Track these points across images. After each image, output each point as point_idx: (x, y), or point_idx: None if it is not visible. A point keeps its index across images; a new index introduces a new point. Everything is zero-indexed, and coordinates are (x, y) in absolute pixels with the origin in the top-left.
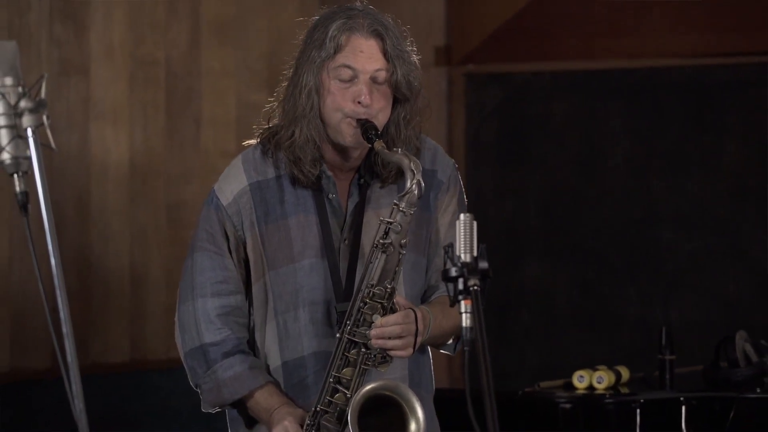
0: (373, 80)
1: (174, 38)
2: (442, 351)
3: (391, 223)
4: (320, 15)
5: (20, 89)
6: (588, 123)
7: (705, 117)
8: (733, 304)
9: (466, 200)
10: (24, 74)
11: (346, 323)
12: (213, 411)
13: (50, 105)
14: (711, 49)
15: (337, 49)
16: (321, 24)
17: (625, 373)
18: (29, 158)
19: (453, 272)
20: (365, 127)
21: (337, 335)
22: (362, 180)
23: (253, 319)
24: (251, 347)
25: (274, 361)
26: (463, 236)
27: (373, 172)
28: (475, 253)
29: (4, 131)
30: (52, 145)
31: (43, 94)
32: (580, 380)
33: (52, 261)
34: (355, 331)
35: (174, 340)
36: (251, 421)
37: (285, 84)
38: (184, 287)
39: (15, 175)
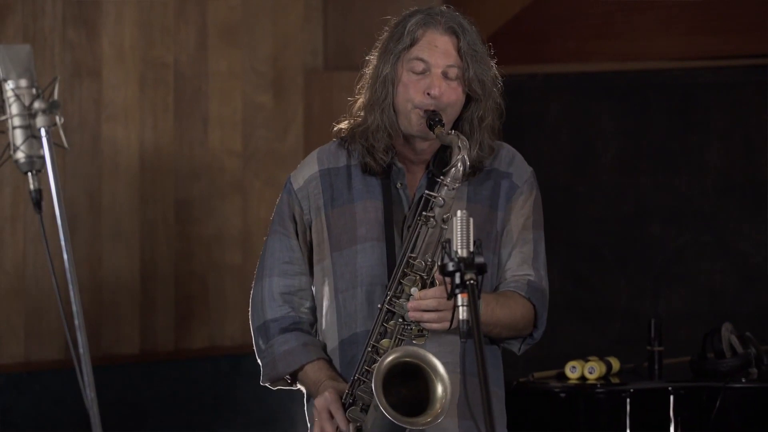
0: (445, 75)
1: (182, 41)
2: (506, 347)
3: (435, 196)
4: (404, 14)
5: (34, 91)
6: (580, 122)
7: (691, 117)
8: (719, 296)
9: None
10: (38, 76)
11: (386, 293)
12: (273, 387)
13: (63, 106)
14: (697, 52)
15: (413, 42)
16: (402, 20)
17: (615, 364)
18: (43, 157)
19: (450, 267)
20: (430, 116)
21: (378, 306)
22: (432, 174)
23: (316, 302)
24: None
25: (333, 341)
26: (459, 232)
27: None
28: (471, 249)
29: (18, 131)
30: (65, 144)
31: (56, 96)
32: (573, 371)
33: (65, 256)
34: (394, 302)
35: (182, 331)
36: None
37: (367, 77)
38: (257, 269)
39: (29, 174)
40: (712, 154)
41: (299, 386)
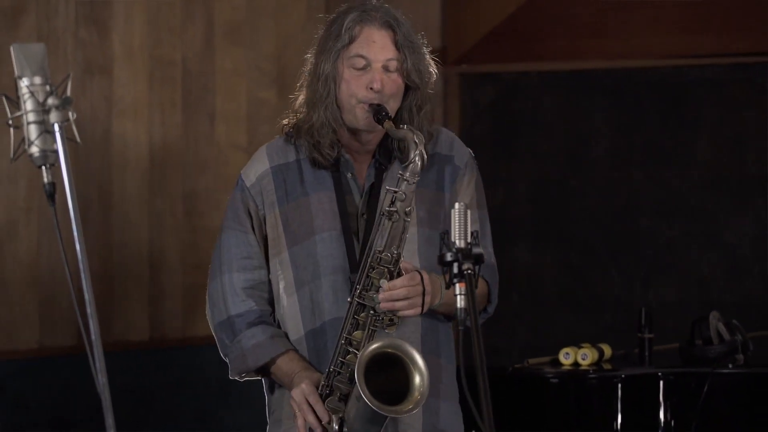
0: (385, 68)
1: (189, 40)
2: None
3: (396, 191)
4: (338, 11)
5: (48, 87)
6: (573, 119)
7: (681, 113)
8: (707, 286)
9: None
10: (51, 74)
11: (355, 288)
12: (240, 379)
13: (75, 102)
14: (686, 50)
15: (352, 39)
16: (338, 18)
17: (607, 351)
18: (56, 151)
19: (448, 257)
20: (376, 110)
21: (348, 300)
22: (378, 163)
23: (273, 294)
24: (275, 320)
25: (296, 332)
26: (457, 224)
27: (391, 156)
28: (468, 240)
29: (33, 126)
30: (77, 139)
31: (68, 92)
32: (566, 357)
33: (77, 247)
34: (364, 295)
35: (189, 319)
36: (273, 385)
37: (307, 75)
38: (213, 265)
39: (43, 167)
40: (701, 149)
41: (265, 377)
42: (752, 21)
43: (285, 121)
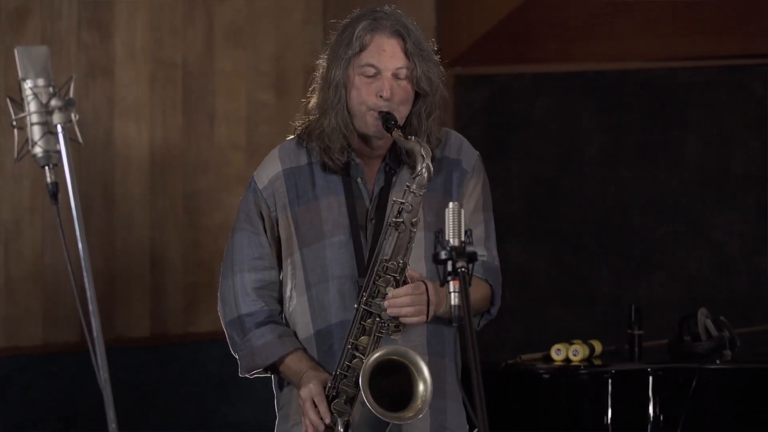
0: (395, 76)
1: (190, 42)
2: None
3: (403, 203)
4: (350, 17)
5: (51, 89)
6: (565, 119)
7: (669, 114)
8: (695, 283)
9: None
10: (54, 76)
11: (362, 295)
12: (251, 376)
13: (78, 103)
14: (676, 53)
15: (362, 48)
16: (349, 25)
17: (598, 347)
18: (59, 152)
19: (443, 255)
20: (386, 118)
21: (355, 306)
22: (388, 167)
23: (284, 293)
24: (284, 319)
25: (305, 331)
26: (451, 223)
27: (400, 161)
28: (462, 238)
29: (36, 127)
30: (80, 139)
31: (71, 94)
32: (558, 353)
33: (80, 245)
34: (371, 302)
35: (191, 316)
36: (282, 381)
37: (319, 80)
38: (225, 265)
39: (46, 168)
40: (689, 149)
41: (274, 374)
42: (741, 24)
43: (297, 123)
